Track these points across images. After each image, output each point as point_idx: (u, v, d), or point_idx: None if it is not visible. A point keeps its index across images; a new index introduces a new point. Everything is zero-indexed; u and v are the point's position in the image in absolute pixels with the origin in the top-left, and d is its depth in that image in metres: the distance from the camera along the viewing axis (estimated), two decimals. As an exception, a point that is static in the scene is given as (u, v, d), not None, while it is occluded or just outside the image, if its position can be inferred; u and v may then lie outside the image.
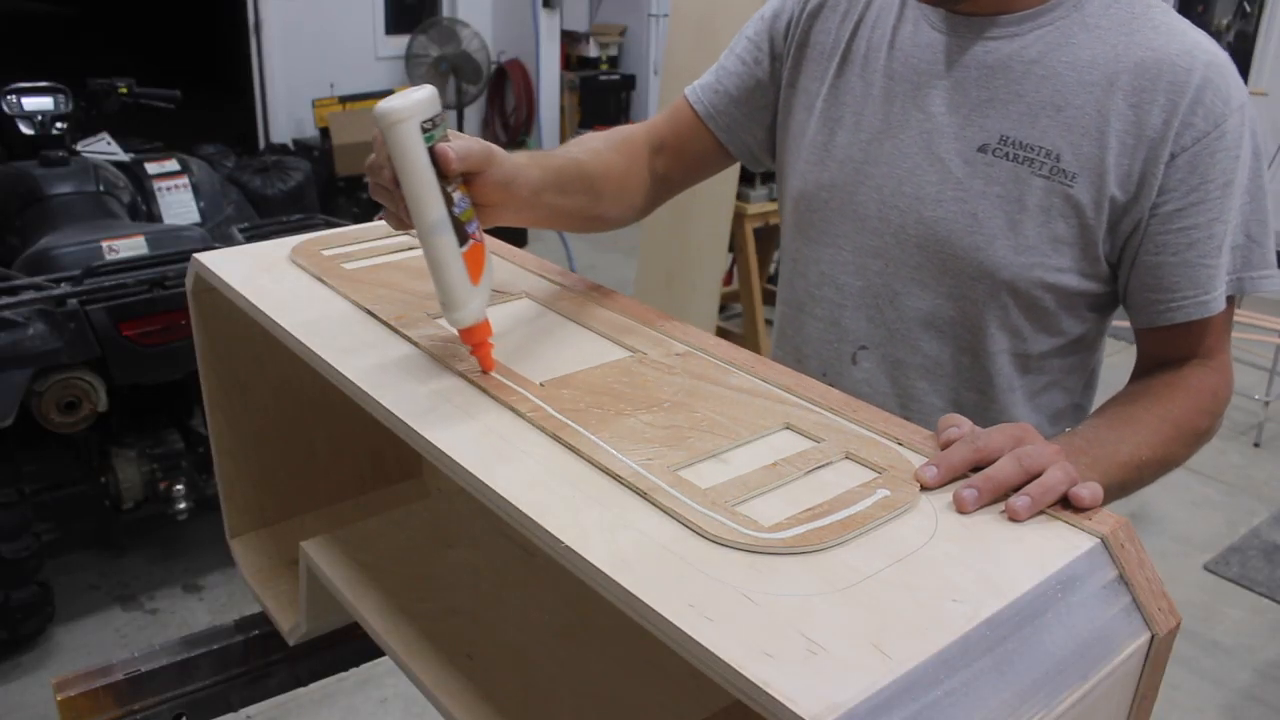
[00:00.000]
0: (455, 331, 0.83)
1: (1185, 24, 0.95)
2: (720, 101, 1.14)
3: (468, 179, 0.82)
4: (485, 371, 0.82)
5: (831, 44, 1.07)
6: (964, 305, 1.00)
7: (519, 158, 0.89)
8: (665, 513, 0.64)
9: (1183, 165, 0.91)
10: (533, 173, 0.90)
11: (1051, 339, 1.01)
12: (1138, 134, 0.92)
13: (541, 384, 0.81)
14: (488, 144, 0.83)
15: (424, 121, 0.76)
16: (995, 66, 0.96)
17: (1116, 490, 0.86)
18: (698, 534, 0.62)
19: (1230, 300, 0.97)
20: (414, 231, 0.79)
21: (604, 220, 1.07)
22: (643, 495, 0.66)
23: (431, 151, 0.76)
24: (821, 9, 1.08)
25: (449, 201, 0.78)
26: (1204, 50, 0.92)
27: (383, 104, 0.75)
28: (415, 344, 0.88)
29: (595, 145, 1.08)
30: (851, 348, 1.06)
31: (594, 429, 0.74)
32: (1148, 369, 1.00)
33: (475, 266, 0.80)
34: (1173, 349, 0.98)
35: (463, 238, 0.79)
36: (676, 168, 1.16)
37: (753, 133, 1.15)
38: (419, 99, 0.76)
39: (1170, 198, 0.92)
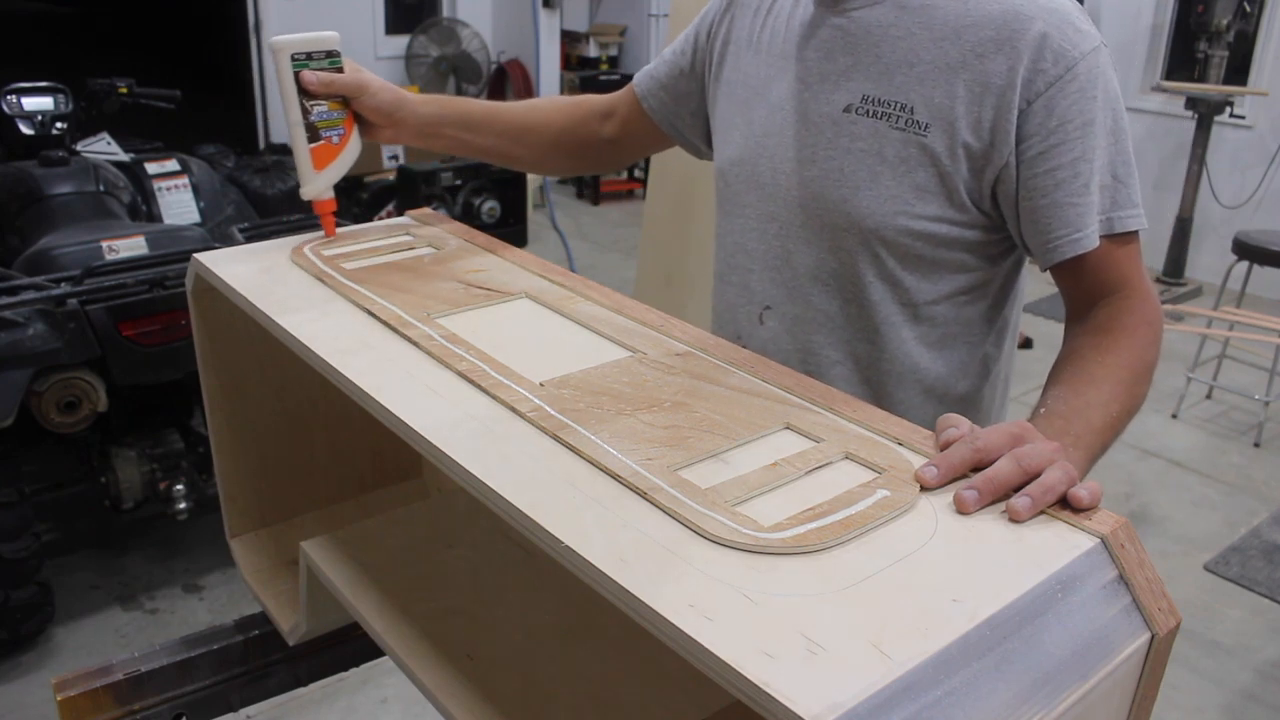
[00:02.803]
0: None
1: None
2: (652, 85, 1.29)
3: (349, 101, 1.15)
4: (328, 236, 1.15)
5: (746, 37, 1.16)
6: (842, 257, 1.06)
7: (416, 97, 1.22)
8: (665, 513, 0.64)
9: (1039, 110, 0.95)
10: (424, 108, 1.22)
11: (936, 287, 1.05)
12: (984, 83, 0.96)
13: (541, 384, 0.81)
14: (365, 79, 1.16)
15: (297, 54, 1.11)
16: (857, 34, 1.03)
17: (1100, 453, 0.88)
18: (698, 534, 0.62)
19: (1133, 236, 1.00)
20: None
21: (524, 162, 1.33)
22: (643, 495, 0.66)
23: (297, 76, 1.11)
24: (740, 7, 1.18)
25: (306, 111, 1.12)
26: None
27: (272, 38, 1.09)
28: (415, 344, 0.88)
29: (538, 103, 1.34)
30: (758, 308, 1.13)
31: (594, 429, 0.74)
32: (1075, 313, 1.03)
33: (320, 159, 1.14)
34: (1081, 288, 1.01)
35: (314, 137, 1.13)
36: (624, 135, 1.33)
37: (679, 115, 1.27)
38: (300, 37, 1.11)
39: (1032, 143, 0.96)
